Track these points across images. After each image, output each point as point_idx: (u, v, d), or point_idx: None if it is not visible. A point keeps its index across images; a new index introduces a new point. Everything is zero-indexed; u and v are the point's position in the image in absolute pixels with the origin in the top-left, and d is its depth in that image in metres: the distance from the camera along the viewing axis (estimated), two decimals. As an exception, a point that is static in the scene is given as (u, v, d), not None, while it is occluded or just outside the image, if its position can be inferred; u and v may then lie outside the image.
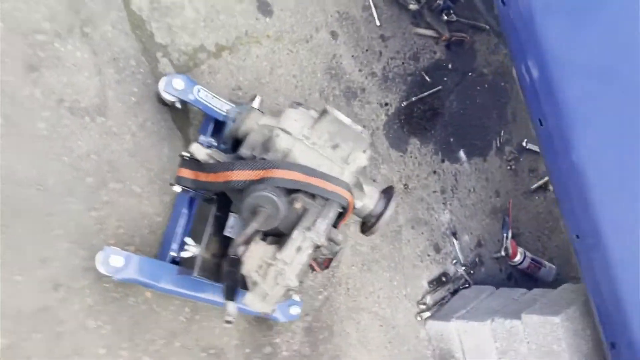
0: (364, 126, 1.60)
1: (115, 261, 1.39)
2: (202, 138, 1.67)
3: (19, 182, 1.45)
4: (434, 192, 2.51)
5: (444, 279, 2.46)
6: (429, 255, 2.44)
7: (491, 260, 2.71)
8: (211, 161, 1.38)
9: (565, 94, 1.39)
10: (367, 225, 1.50)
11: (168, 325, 1.66)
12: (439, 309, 2.39)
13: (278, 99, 2.00)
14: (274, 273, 1.30)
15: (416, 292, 2.37)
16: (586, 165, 1.45)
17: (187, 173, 1.44)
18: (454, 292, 2.49)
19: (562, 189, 1.60)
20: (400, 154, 2.40)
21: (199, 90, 1.60)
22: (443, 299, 2.44)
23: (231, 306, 1.09)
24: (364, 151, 1.42)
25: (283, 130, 1.36)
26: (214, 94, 1.63)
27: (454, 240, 2.55)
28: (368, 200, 1.47)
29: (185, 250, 1.45)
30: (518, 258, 2.70)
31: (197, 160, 1.40)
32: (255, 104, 1.68)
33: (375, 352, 2.17)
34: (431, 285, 2.42)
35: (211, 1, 1.86)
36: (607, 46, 1.39)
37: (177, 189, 1.45)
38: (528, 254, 2.76)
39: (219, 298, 1.51)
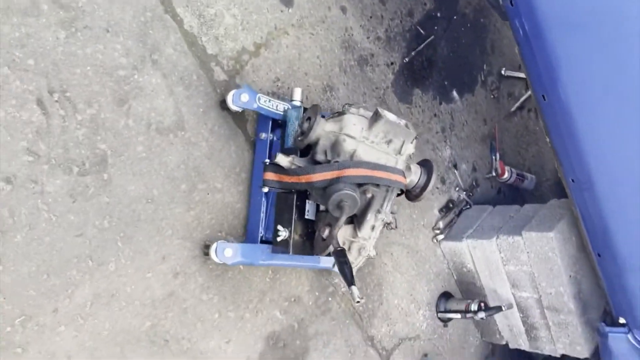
0: (407, 124, 1.92)
1: (227, 252, 1.77)
2: (263, 135, 1.99)
3: (133, 199, 1.77)
4: (436, 132, 2.91)
5: (450, 205, 2.94)
6: (437, 188, 2.89)
7: (484, 180, 3.20)
8: (293, 167, 1.73)
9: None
10: (412, 194, 1.90)
11: (258, 287, 2.09)
12: (449, 231, 2.89)
13: (308, 81, 2.29)
14: (357, 247, 1.72)
15: (430, 220, 2.85)
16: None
17: (271, 176, 1.79)
18: (459, 213, 2.98)
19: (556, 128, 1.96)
20: (407, 106, 2.76)
21: (259, 98, 1.89)
22: (451, 221, 2.94)
23: (355, 290, 1.49)
24: (411, 142, 1.79)
25: (347, 135, 1.71)
26: (269, 97, 1.93)
27: (455, 171, 3.00)
28: (414, 176, 1.87)
29: (279, 235, 1.84)
30: (506, 175, 3.19)
31: (279, 165, 1.74)
32: (297, 95, 2.00)
33: (406, 274, 2.68)
34: (441, 212, 2.91)
35: (244, 4, 2.07)
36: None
37: (265, 189, 1.80)
38: (513, 170, 3.25)
39: (298, 262, 1.93)
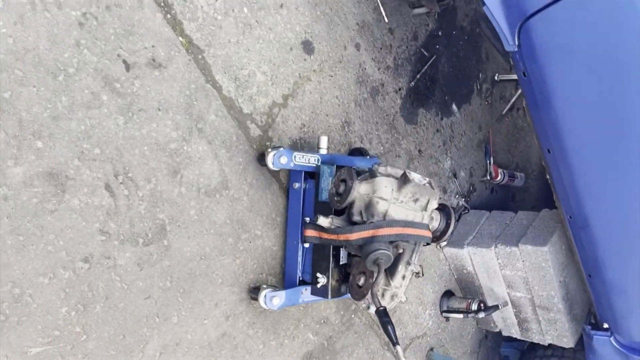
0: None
1: (275, 301, 2.02)
2: (297, 185, 2.20)
3: (189, 258, 1.99)
4: (439, 147, 3.15)
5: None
6: (440, 198, 3.16)
7: (479, 183, 3.48)
8: (332, 227, 1.96)
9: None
10: (434, 238, 2.16)
11: (294, 316, 2.36)
12: (450, 237, 3.19)
13: (329, 121, 2.48)
14: (389, 295, 2.00)
15: (434, 229, 3.13)
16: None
17: (312, 233, 2.02)
18: (458, 218, 3.27)
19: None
20: (413, 126, 2.97)
21: (295, 157, 2.09)
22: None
23: (400, 350, 1.76)
24: (435, 199, 2.03)
25: (380, 197, 1.94)
26: (303, 153, 2.12)
27: (455, 180, 3.27)
28: (435, 222, 2.12)
29: (318, 282, 2.09)
30: (499, 178, 3.48)
31: (318, 224, 1.98)
32: (324, 144, 2.21)
33: (416, 281, 2.99)
34: (443, 220, 3.19)
35: (272, 60, 2.22)
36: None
37: (307, 245, 2.04)
38: (505, 171, 3.54)
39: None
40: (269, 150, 2.08)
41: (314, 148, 2.39)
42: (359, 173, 2.15)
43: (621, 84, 1.83)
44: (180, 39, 1.93)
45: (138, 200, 1.85)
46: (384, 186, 1.95)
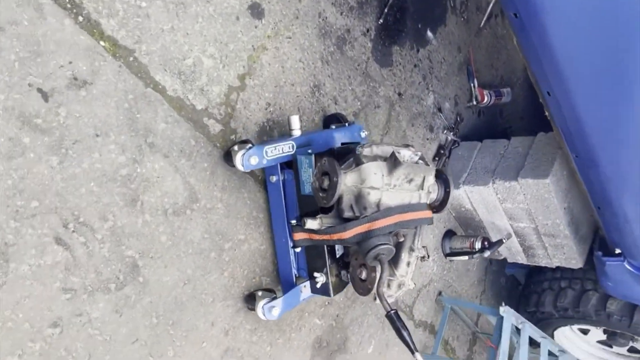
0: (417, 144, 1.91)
1: (275, 311, 1.87)
2: (274, 178, 1.96)
3: (171, 288, 1.80)
4: (419, 83, 2.88)
5: (441, 151, 3.03)
6: (427, 139, 2.95)
7: (466, 110, 3.26)
8: (323, 227, 1.76)
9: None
10: (434, 210, 1.97)
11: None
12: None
13: (296, 90, 2.19)
14: (396, 284, 1.84)
15: (426, 172, 2.95)
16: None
17: (301, 236, 1.83)
18: (449, 154, 3.08)
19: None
20: (389, 69, 2.68)
21: (266, 152, 1.83)
22: (444, 165, 3.04)
23: (419, 357, 1.63)
24: (431, 174, 1.82)
25: (370, 187, 1.72)
26: (275, 144, 1.87)
27: (440, 114, 3.03)
28: (433, 194, 1.92)
29: (317, 282, 1.92)
30: (486, 100, 3.26)
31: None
32: (295, 124, 1.96)
33: (414, 233, 2.85)
34: (434, 160, 3.00)
35: (217, 38, 1.89)
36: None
37: (298, 249, 1.84)
38: (491, 92, 3.30)
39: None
40: (235, 149, 1.82)
41: (284, 127, 2.13)
42: (341, 155, 1.91)
43: (624, 13, 1.56)
44: (102, 43, 1.60)
45: (98, 245, 1.61)
46: (373, 173, 1.73)
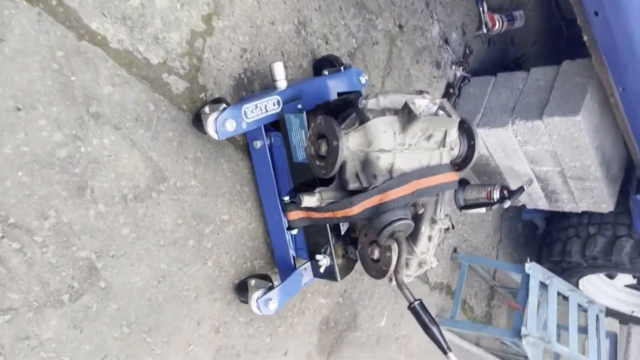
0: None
1: (272, 305, 1.56)
2: (258, 143, 1.61)
3: (142, 288, 1.48)
4: (422, 12, 2.47)
5: (451, 90, 2.65)
6: (434, 77, 2.57)
7: (474, 39, 2.85)
8: (323, 204, 1.42)
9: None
10: (456, 165, 1.62)
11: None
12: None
13: (277, 30, 1.79)
14: (416, 263, 1.53)
15: (434, 116, 2.58)
16: None
17: (297, 215, 1.49)
18: (459, 93, 2.71)
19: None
20: (387, -4, 2.26)
21: (246, 113, 1.46)
22: (454, 106, 2.68)
23: (453, 357, 1.33)
24: (454, 126, 1.46)
25: (380, 150, 1.37)
26: (256, 101, 1.49)
27: (447, 46, 2.63)
28: (455, 150, 1.57)
29: (320, 265, 1.60)
30: (497, 26, 2.84)
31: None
32: (279, 74, 1.59)
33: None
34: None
35: (171, -31, 1.48)
36: None
37: (294, 232, 1.51)
38: (503, 17, 2.88)
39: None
40: (206, 111, 1.44)
41: (266, 77, 1.74)
42: (339, 110, 1.54)
43: None
44: (9, -17, 1.19)
45: (39, 249, 1.27)
46: (382, 132, 1.37)
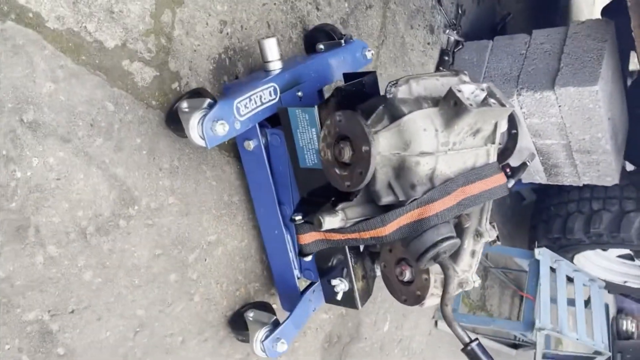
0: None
1: (281, 346, 1.26)
2: (251, 144, 1.27)
3: (114, 345, 1.14)
4: (414, -33, 2.13)
5: (445, 57, 2.37)
6: (428, 44, 2.27)
7: (466, -2, 2.55)
8: (349, 224, 1.12)
9: None
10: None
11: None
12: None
13: (261, -5, 1.43)
14: (455, 283, 1.26)
15: (429, 88, 2.30)
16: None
17: (313, 237, 1.18)
18: (453, 61, 2.43)
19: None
20: (378, -51, 1.91)
21: (239, 109, 1.12)
22: (448, 76, 2.40)
23: None
24: (505, 117, 1.18)
25: (420, 153, 1.07)
26: (249, 93, 1.15)
27: (439, 7, 2.33)
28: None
29: (336, 291, 1.31)
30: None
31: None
32: (272, 53, 1.26)
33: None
34: (438, 69, 2.35)
35: None
36: None
37: (309, 258, 1.21)
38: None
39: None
40: (184, 107, 1.10)
41: (252, 56, 1.39)
42: (352, 97, 1.23)
43: None
44: None
45: (-32, 321, 0.91)
46: (422, 129, 1.07)
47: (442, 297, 1.13)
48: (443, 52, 2.38)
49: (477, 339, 1.10)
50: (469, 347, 1.09)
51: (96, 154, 1.06)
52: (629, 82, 2.40)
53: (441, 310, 1.13)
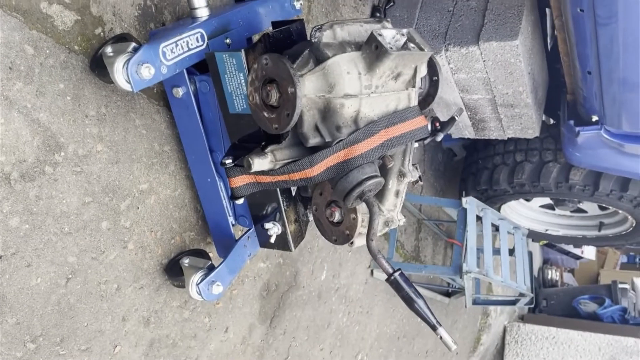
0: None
1: (216, 288, 1.30)
2: (180, 91, 1.28)
3: (46, 292, 1.15)
4: None
5: (377, 14, 2.41)
6: (360, 1, 2.30)
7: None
8: (278, 165, 1.16)
9: None
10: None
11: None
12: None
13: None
14: (382, 222, 1.34)
15: (362, 44, 2.35)
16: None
17: (243, 180, 1.22)
18: (385, 16, 2.47)
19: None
20: None
21: (165, 53, 1.13)
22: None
23: (444, 333, 1.15)
24: (424, 62, 1.24)
25: (345, 95, 1.12)
26: (175, 38, 1.15)
27: (371, -37, 2.36)
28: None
29: (270, 234, 1.36)
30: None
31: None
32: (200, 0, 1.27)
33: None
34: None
35: None
36: None
37: (240, 201, 1.24)
38: None
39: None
40: (108, 52, 1.09)
41: (179, 4, 1.38)
42: (280, 44, 1.25)
43: None
44: None
45: None
46: (346, 72, 1.11)
47: (368, 233, 1.19)
48: (374, 9, 2.42)
49: (399, 269, 1.18)
50: (392, 277, 1.16)
51: (17, 98, 1.04)
52: (549, 41, 2.53)
53: (367, 244, 1.19)
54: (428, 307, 1.16)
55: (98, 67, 1.14)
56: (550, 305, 5.35)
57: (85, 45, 1.16)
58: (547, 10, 2.29)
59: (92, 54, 1.16)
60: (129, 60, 1.05)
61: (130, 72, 1.05)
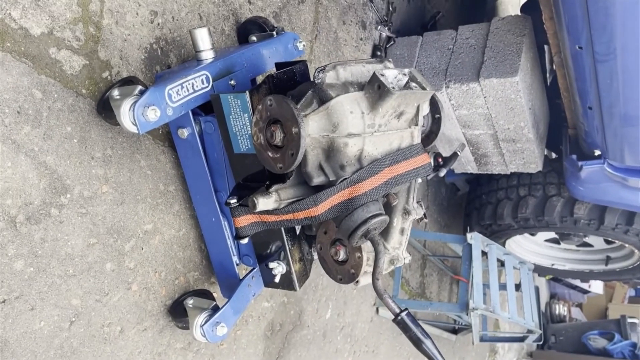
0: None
1: (220, 329, 1.28)
2: (185, 132, 1.29)
3: (49, 335, 1.14)
4: (344, -35, 2.21)
5: (378, 52, 2.46)
6: (361, 39, 2.35)
7: (396, -5, 2.66)
8: (282, 205, 1.16)
9: None
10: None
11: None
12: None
13: (192, -14, 1.45)
14: (387, 261, 1.33)
15: (363, 82, 2.38)
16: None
17: (247, 220, 1.22)
18: (385, 55, 2.52)
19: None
20: (309, -54, 1.97)
21: (170, 96, 1.14)
22: (381, 70, 2.48)
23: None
24: (426, 100, 1.25)
25: (348, 134, 1.13)
26: (181, 80, 1.17)
27: (371, 4, 2.41)
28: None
29: (274, 274, 1.35)
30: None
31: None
32: (203, 42, 1.29)
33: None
34: (371, 66, 2.42)
35: None
36: None
37: (245, 241, 1.24)
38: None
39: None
40: (115, 95, 1.11)
41: (184, 47, 1.41)
42: (283, 85, 1.27)
43: None
44: None
45: None
46: (349, 112, 1.13)
47: (373, 272, 1.18)
48: (375, 48, 2.47)
49: (406, 309, 1.16)
50: (399, 317, 1.15)
51: (24, 142, 1.05)
52: (549, 76, 2.56)
53: (373, 284, 1.19)
54: (436, 347, 1.15)
55: (105, 109, 1.16)
56: (559, 341, 5.26)
57: (93, 89, 1.18)
58: (546, 47, 2.33)
59: (99, 97, 1.18)
60: (135, 102, 1.07)
61: (137, 114, 1.07)
